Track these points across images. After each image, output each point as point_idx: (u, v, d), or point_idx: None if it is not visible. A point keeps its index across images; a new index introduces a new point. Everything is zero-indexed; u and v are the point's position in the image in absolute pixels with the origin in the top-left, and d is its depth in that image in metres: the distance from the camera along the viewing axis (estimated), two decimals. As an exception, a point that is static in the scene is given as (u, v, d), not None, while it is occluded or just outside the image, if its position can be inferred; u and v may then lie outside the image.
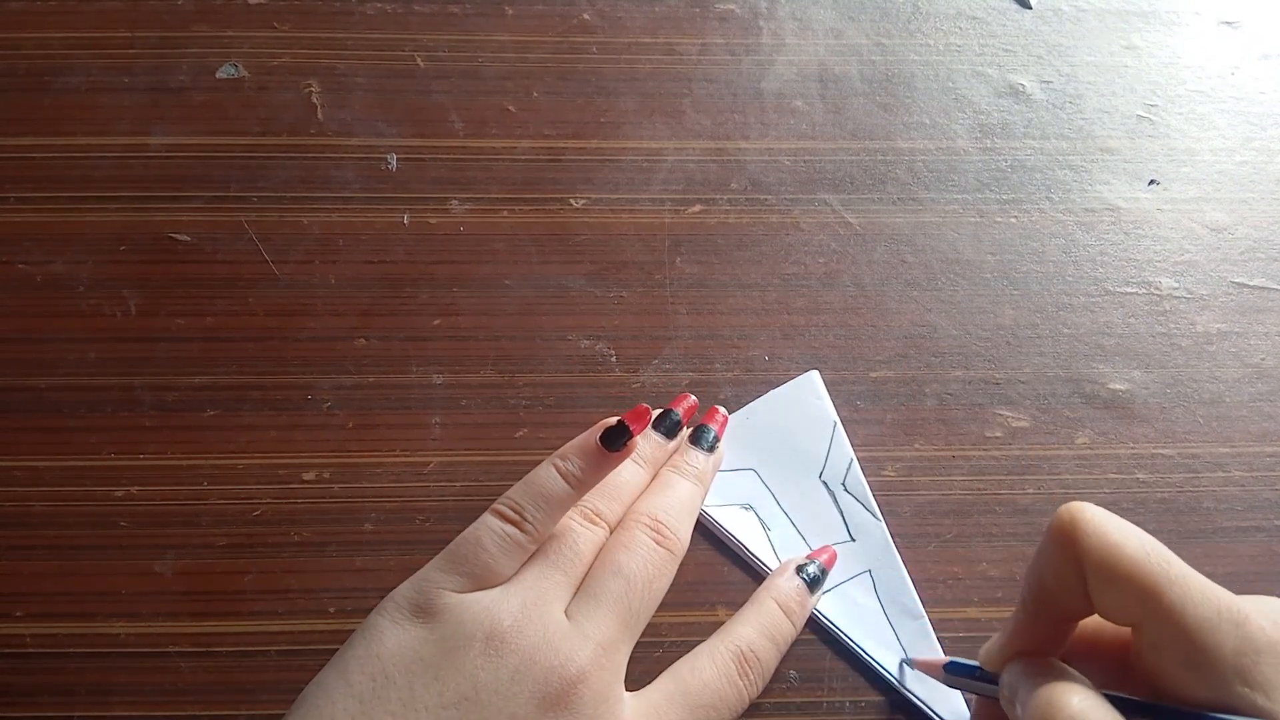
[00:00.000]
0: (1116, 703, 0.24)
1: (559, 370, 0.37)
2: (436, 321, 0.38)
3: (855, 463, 0.36)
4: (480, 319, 0.38)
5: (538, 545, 0.29)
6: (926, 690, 0.32)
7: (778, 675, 0.33)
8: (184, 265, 0.39)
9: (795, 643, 0.33)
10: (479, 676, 0.26)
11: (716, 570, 0.35)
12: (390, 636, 0.27)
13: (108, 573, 0.34)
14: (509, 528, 0.29)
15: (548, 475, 0.29)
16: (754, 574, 0.34)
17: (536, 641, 0.27)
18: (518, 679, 0.26)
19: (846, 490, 0.36)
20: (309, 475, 0.35)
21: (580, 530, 0.30)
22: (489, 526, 0.29)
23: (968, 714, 0.32)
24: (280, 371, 0.37)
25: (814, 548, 0.35)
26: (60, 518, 0.35)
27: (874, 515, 0.35)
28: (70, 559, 0.34)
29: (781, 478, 0.36)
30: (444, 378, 0.37)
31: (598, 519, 0.31)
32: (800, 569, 0.33)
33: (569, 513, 0.31)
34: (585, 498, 0.31)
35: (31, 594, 0.34)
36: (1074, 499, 0.36)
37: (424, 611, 0.27)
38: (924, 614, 0.34)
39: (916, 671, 0.33)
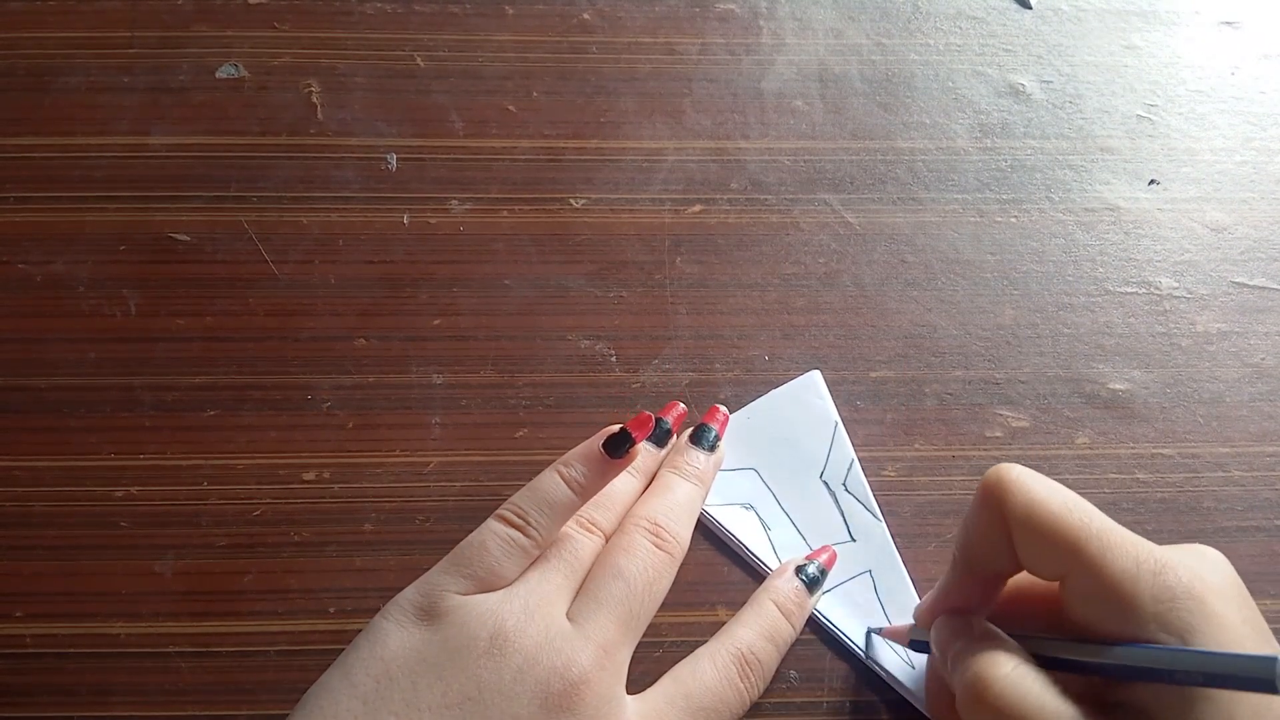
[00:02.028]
0: (1039, 643, 0.26)
1: (559, 370, 0.37)
2: (436, 321, 0.38)
3: (856, 463, 0.36)
4: (480, 319, 0.38)
5: (541, 550, 0.29)
6: (895, 664, 0.33)
7: (778, 675, 0.33)
8: (184, 265, 0.39)
9: (795, 643, 0.33)
10: (482, 677, 0.26)
11: (717, 570, 0.35)
12: (394, 638, 0.27)
13: (108, 573, 0.34)
14: (513, 532, 0.29)
15: (551, 482, 0.30)
16: (754, 574, 0.34)
17: (539, 643, 0.27)
18: (520, 679, 0.26)
19: (847, 490, 0.36)
20: (309, 475, 0.35)
21: (580, 537, 0.31)
22: (493, 531, 0.29)
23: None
24: (280, 371, 0.37)
25: (814, 547, 0.35)
26: (60, 518, 0.35)
27: (875, 516, 0.35)
28: (70, 559, 0.34)
29: (782, 477, 0.36)
30: (444, 378, 0.37)
31: (594, 528, 0.31)
32: (799, 570, 0.33)
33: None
34: (580, 509, 0.31)
35: (31, 594, 0.34)
36: (1074, 499, 0.36)
37: (428, 613, 0.27)
38: None
39: (884, 643, 0.33)
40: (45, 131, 0.41)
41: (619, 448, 0.29)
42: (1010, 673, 0.25)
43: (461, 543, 0.29)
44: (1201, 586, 0.24)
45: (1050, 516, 0.25)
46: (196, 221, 0.39)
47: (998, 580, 0.28)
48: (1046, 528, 0.25)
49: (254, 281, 0.39)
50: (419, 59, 0.43)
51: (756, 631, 0.31)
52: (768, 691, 0.32)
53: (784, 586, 0.32)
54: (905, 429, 0.37)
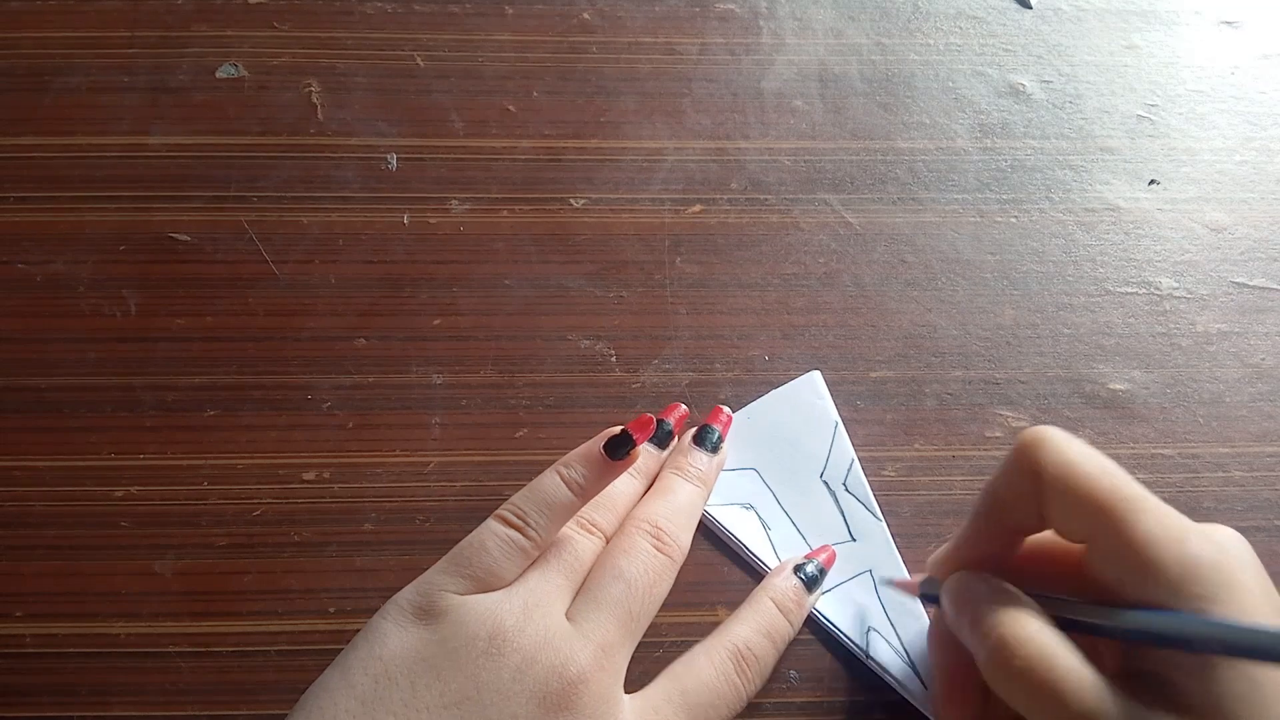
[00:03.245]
0: (1059, 604, 0.26)
1: (559, 370, 0.37)
2: (436, 321, 0.38)
3: (856, 463, 0.36)
4: (480, 319, 0.38)
5: (540, 551, 0.29)
6: (894, 664, 0.33)
7: (777, 675, 0.33)
8: (184, 265, 0.39)
9: (795, 642, 0.33)
10: (480, 676, 0.26)
11: (717, 570, 0.35)
12: (393, 637, 0.27)
13: (108, 573, 0.34)
14: (512, 533, 0.29)
15: (552, 483, 0.30)
16: (754, 574, 0.34)
17: (538, 642, 0.27)
18: (519, 679, 0.26)
19: (848, 490, 0.36)
20: (309, 475, 0.35)
21: (580, 538, 0.31)
22: (493, 531, 0.29)
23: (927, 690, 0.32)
24: (280, 371, 0.37)
25: (814, 547, 0.35)
26: (60, 518, 0.35)
27: (875, 515, 0.35)
28: (70, 559, 0.34)
29: (783, 478, 0.36)
30: (444, 378, 0.37)
31: (594, 529, 0.31)
32: (798, 568, 0.33)
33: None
34: (581, 509, 0.31)
35: (31, 594, 0.34)
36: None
37: (426, 613, 0.27)
38: (924, 614, 0.34)
39: (883, 643, 0.33)
40: (45, 131, 0.41)
41: (620, 449, 0.29)
42: (1036, 635, 0.25)
43: (460, 543, 0.29)
44: (1226, 559, 0.24)
45: (1085, 477, 0.25)
46: (196, 221, 0.39)
47: (1018, 536, 0.29)
48: (1080, 488, 0.25)
49: (254, 281, 0.39)
50: (419, 59, 0.43)
51: (754, 628, 0.31)
52: (768, 691, 0.32)
53: (782, 585, 0.33)
54: (905, 429, 0.37)
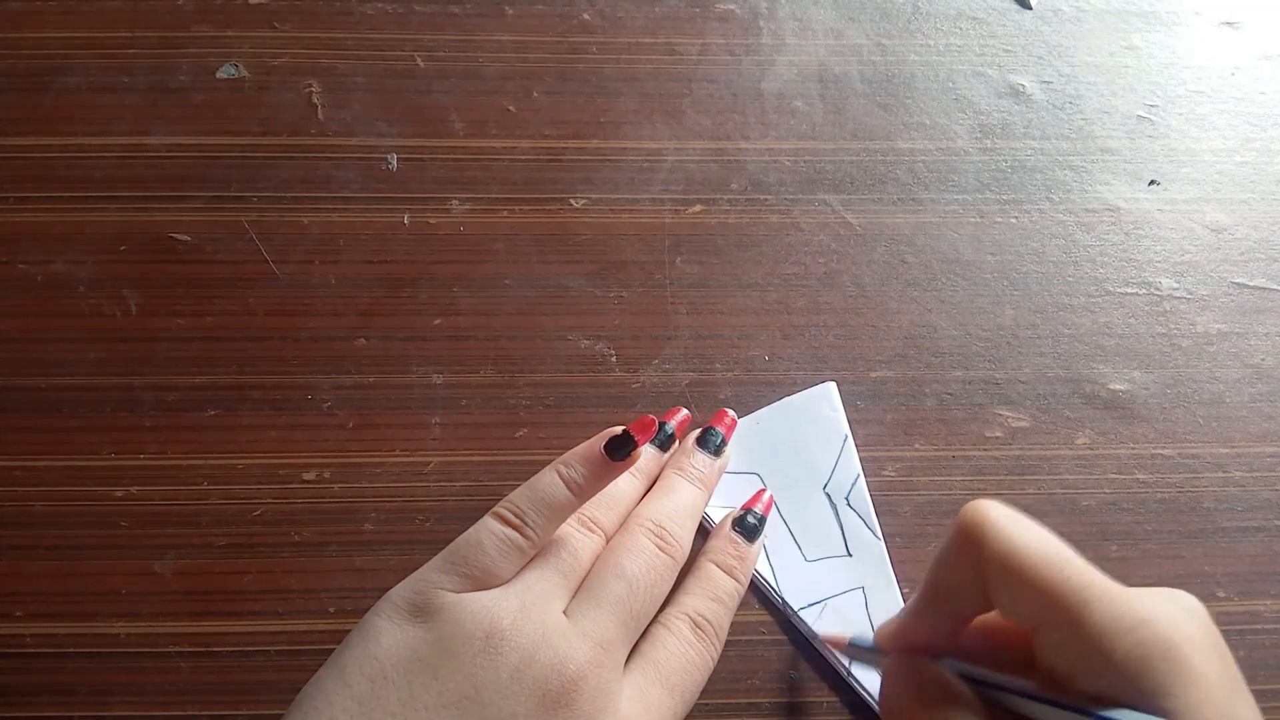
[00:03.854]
0: (1000, 692, 0.25)
1: (559, 370, 0.37)
2: (436, 321, 0.38)
3: (862, 478, 0.36)
4: (480, 319, 0.38)
5: (537, 550, 0.29)
6: (877, 688, 0.32)
7: (777, 675, 0.33)
8: (184, 265, 0.39)
9: (794, 643, 0.33)
10: (478, 675, 0.26)
11: (716, 570, 0.35)
12: (388, 636, 0.27)
13: (108, 573, 0.34)
14: (509, 531, 0.29)
15: (550, 481, 0.29)
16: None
17: (536, 640, 0.27)
18: (517, 677, 0.26)
19: (849, 505, 0.35)
20: (309, 475, 0.35)
21: (579, 537, 0.31)
22: (489, 529, 0.29)
23: None
24: (280, 371, 0.37)
25: (810, 559, 0.35)
26: (60, 518, 0.35)
27: (874, 534, 0.35)
28: (70, 559, 0.34)
29: (785, 485, 0.36)
30: (444, 378, 0.37)
31: (594, 527, 0.31)
32: (737, 521, 0.33)
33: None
34: (582, 507, 0.31)
35: (31, 594, 0.34)
36: (1074, 499, 0.36)
37: (422, 611, 0.27)
38: None
39: (867, 666, 0.33)
40: (45, 131, 0.41)
41: (621, 450, 0.29)
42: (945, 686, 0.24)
43: (456, 540, 0.29)
44: (1180, 640, 0.23)
45: (1030, 565, 0.24)
46: (196, 221, 0.39)
47: (963, 619, 0.28)
48: (1025, 576, 0.24)
49: (254, 281, 0.38)
50: (419, 59, 0.43)
51: (701, 595, 0.31)
52: (767, 691, 0.32)
53: (721, 545, 0.33)
54: (905, 429, 0.37)
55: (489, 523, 0.29)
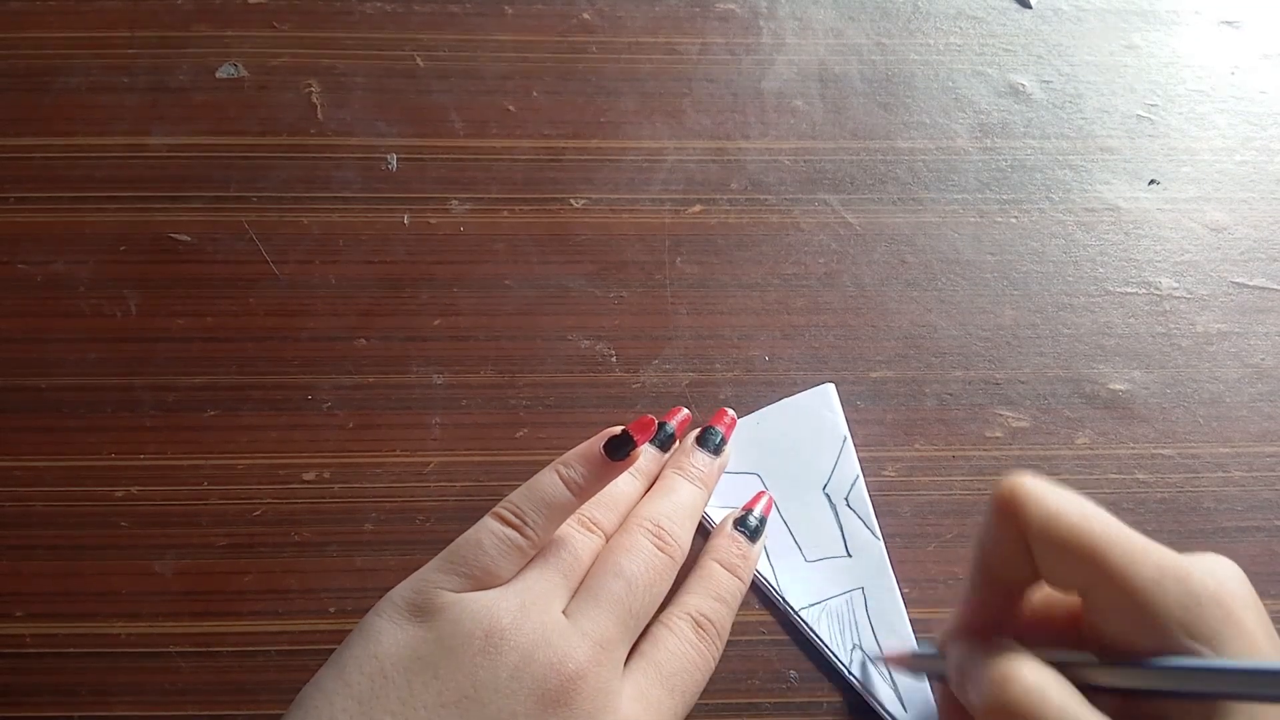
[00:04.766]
0: (1066, 666, 0.25)
1: (559, 370, 0.37)
2: (436, 321, 0.38)
3: (861, 480, 0.36)
4: (480, 319, 0.38)
5: (537, 550, 0.29)
6: (880, 687, 0.32)
7: (777, 675, 0.33)
8: (184, 265, 0.39)
9: (794, 643, 0.33)
10: (478, 675, 0.26)
11: (716, 570, 0.35)
12: (388, 636, 0.27)
13: (108, 573, 0.34)
14: (509, 531, 0.29)
15: (550, 481, 0.29)
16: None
17: (535, 639, 0.27)
18: (517, 676, 0.26)
19: (849, 506, 0.35)
20: (309, 475, 0.35)
21: (578, 536, 0.31)
22: (489, 529, 0.29)
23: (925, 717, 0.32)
24: (280, 371, 0.37)
25: (810, 559, 0.35)
26: (60, 518, 0.35)
27: (874, 534, 0.35)
28: (70, 559, 0.34)
29: (784, 486, 0.36)
30: (444, 378, 0.37)
31: (594, 527, 0.31)
32: (739, 522, 0.34)
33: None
34: (582, 506, 0.31)
35: (31, 594, 0.34)
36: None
37: (422, 611, 0.27)
38: (912, 637, 0.33)
39: (878, 671, 0.33)
40: (45, 131, 0.41)
41: (620, 450, 0.29)
42: (1033, 676, 0.24)
43: (456, 540, 0.29)
44: (1224, 593, 0.24)
45: (1070, 528, 0.25)
46: (196, 221, 0.39)
47: (1016, 593, 0.28)
48: (1067, 540, 0.25)
49: (254, 281, 0.39)
50: (419, 59, 0.43)
51: (704, 594, 0.31)
52: (767, 691, 0.32)
53: (724, 544, 0.33)
54: (905, 429, 0.37)
55: (489, 523, 0.29)
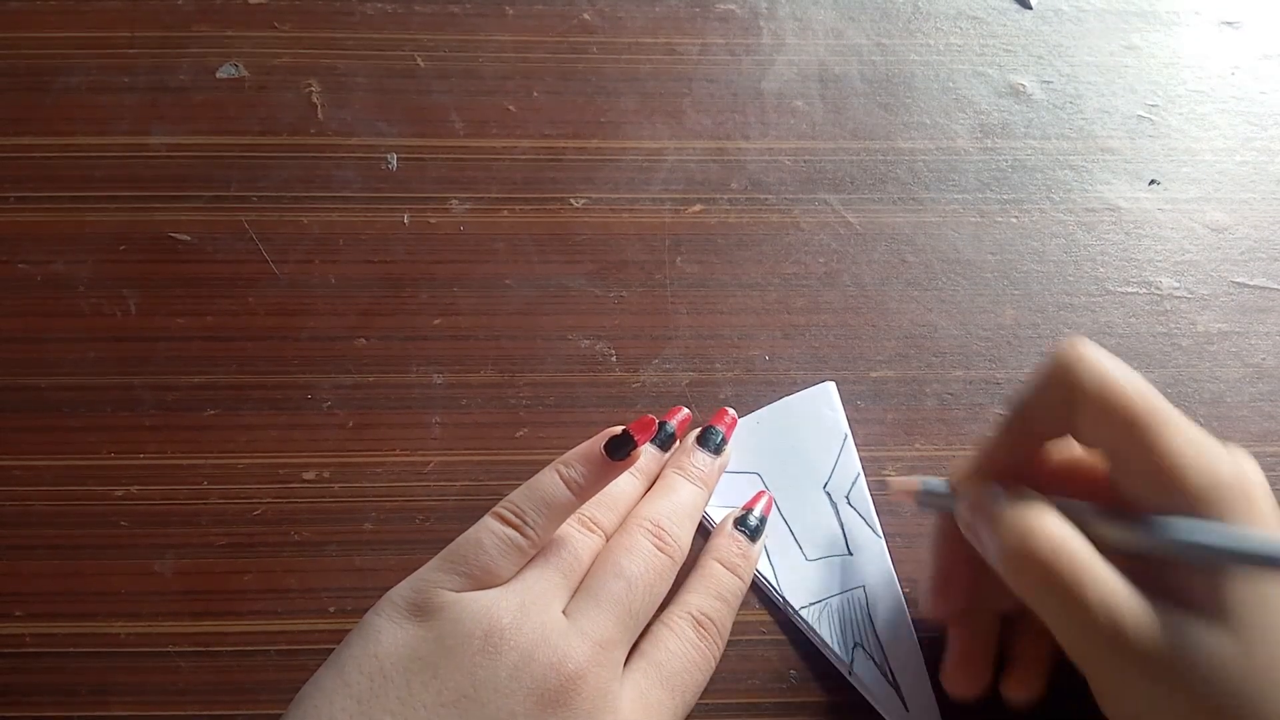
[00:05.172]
0: (1079, 510, 0.27)
1: (559, 370, 0.37)
2: (436, 321, 0.38)
3: (862, 477, 0.36)
4: (480, 319, 0.38)
5: (537, 549, 0.29)
6: (879, 686, 0.32)
7: (777, 675, 0.33)
8: (184, 265, 0.39)
9: (794, 643, 0.33)
10: (477, 674, 0.26)
11: (717, 570, 0.35)
12: (387, 635, 0.27)
13: (108, 573, 0.34)
14: (509, 530, 0.29)
15: (550, 481, 0.29)
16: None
17: (535, 639, 0.27)
18: (516, 676, 0.26)
19: (850, 504, 0.35)
20: (309, 475, 0.35)
21: (578, 536, 0.31)
22: (489, 529, 0.29)
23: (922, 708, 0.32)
24: (280, 371, 0.37)
25: (810, 558, 0.35)
26: (60, 518, 0.35)
27: (875, 532, 0.35)
28: (70, 559, 0.34)
29: (785, 485, 0.36)
30: (444, 377, 0.37)
31: (594, 527, 0.31)
32: (739, 522, 0.34)
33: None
34: (582, 506, 0.31)
35: (31, 594, 0.34)
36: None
37: (421, 610, 0.27)
38: (915, 635, 0.33)
39: (870, 664, 0.33)
40: (45, 131, 0.41)
41: (621, 450, 0.29)
42: (1057, 529, 0.26)
43: (456, 540, 0.29)
44: (1248, 480, 0.26)
45: (1120, 390, 0.26)
46: (196, 221, 0.39)
47: (1041, 443, 0.29)
48: (1115, 399, 0.26)
49: (254, 281, 0.38)
50: (419, 59, 0.43)
51: (705, 594, 0.32)
52: (767, 691, 0.32)
53: (725, 544, 0.33)
54: (905, 429, 0.37)
55: (489, 522, 0.29)
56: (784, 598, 0.34)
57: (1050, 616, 0.26)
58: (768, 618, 0.34)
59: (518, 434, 0.36)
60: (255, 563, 0.34)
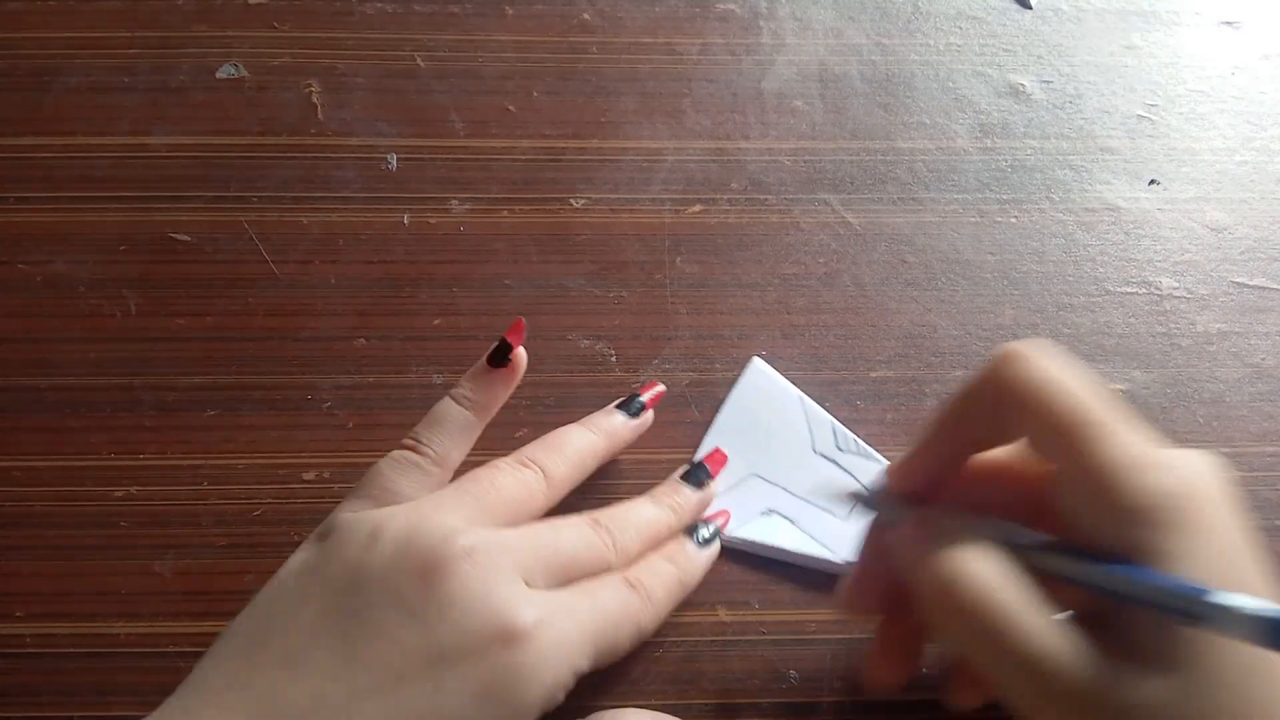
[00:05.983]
0: (1019, 536, 0.25)
1: (559, 370, 0.37)
2: (436, 321, 0.38)
3: (836, 423, 0.36)
4: (480, 319, 0.38)
5: (440, 468, 0.30)
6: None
7: (777, 675, 0.33)
8: (184, 265, 0.39)
9: (795, 643, 0.33)
10: (360, 569, 0.27)
11: (716, 570, 0.34)
12: (293, 559, 0.29)
13: (108, 573, 0.34)
14: (404, 452, 0.30)
15: (442, 404, 0.31)
16: (810, 577, 0.34)
17: (413, 522, 0.27)
18: (397, 562, 0.27)
19: (842, 450, 0.36)
20: (309, 475, 0.35)
21: (505, 468, 0.30)
22: (388, 456, 0.30)
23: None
24: (280, 371, 0.37)
25: (841, 516, 0.34)
26: (60, 518, 0.35)
27: (877, 459, 0.36)
28: (70, 559, 0.34)
29: (783, 467, 0.36)
30: (444, 378, 0.37)
31: (530, 464, 0.31)
32: (692, 532, 0.33)
33: (504, 460, 0.31)
34: (523, 448, 0.31)
35: (31, 594, 0.34)
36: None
37: (323, 534, 0.29)
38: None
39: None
40: (45, 131, 0.41)
41: (499, 357, 0.31)
42: (984, 571, 0.24)
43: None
44: (1187, 496, 0.23)
45: (1056, 396, 0.24)
46: (196, 221, 0.39)
47: (972, 450, 0.27)
48: (1050, 406, 0.24)
49: (254, 281, 0.38)
50: (419, 59, 0.43)
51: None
52: (767, 691, 0.32)
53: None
54: (905, 429, 0.37)
55: (390, 453, 0.30)
56: (844, 561, 0.34)
57: (977, 664, 0.25)
58: (768, 617, 0.34)
59: (517, 434, 0.36)
60: (255, 563, 0.34)
